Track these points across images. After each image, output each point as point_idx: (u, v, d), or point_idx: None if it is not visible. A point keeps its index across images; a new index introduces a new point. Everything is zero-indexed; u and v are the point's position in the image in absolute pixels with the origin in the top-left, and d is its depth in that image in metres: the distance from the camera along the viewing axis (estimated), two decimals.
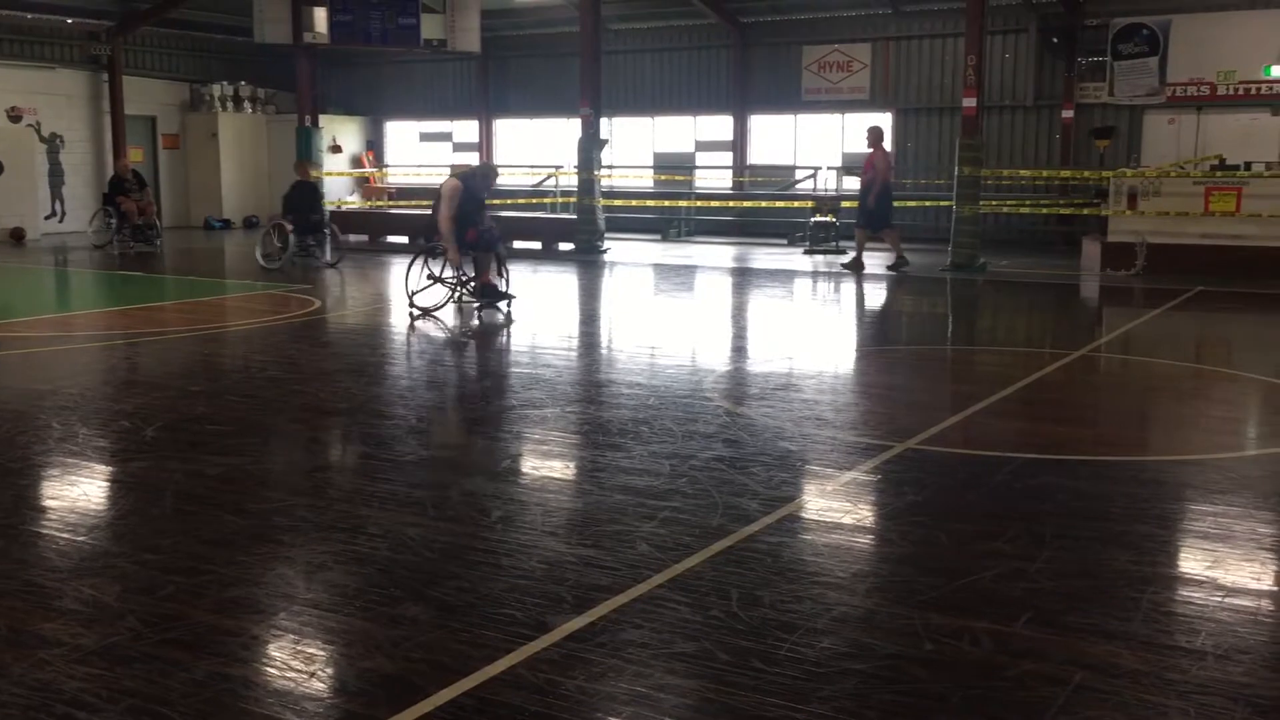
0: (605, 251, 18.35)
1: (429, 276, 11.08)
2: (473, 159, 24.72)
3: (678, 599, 3.75)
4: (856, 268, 15.94)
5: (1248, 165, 15.47)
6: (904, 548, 4.40)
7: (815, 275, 16.05)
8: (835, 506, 4.94)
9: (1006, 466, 5.55)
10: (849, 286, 14.45)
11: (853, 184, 20.33)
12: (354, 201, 25.58)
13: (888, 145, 18.63)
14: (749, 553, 4.22)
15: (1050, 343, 10.14)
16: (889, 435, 6.21)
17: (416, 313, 10.85)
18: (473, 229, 10.84)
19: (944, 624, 3.55)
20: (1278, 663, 3.33)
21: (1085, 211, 17.64)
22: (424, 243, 11.50)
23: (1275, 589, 3.98)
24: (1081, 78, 20.38)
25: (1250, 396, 7.70)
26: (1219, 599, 3.84)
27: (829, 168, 21.86)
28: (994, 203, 17.51)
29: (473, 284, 11.09)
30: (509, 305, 10.96)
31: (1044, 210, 19.18)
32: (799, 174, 23.11)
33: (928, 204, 20.07)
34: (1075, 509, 4.84)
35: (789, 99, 23.04)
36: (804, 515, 4.78)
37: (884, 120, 22.43)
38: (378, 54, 24.83)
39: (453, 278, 11.00)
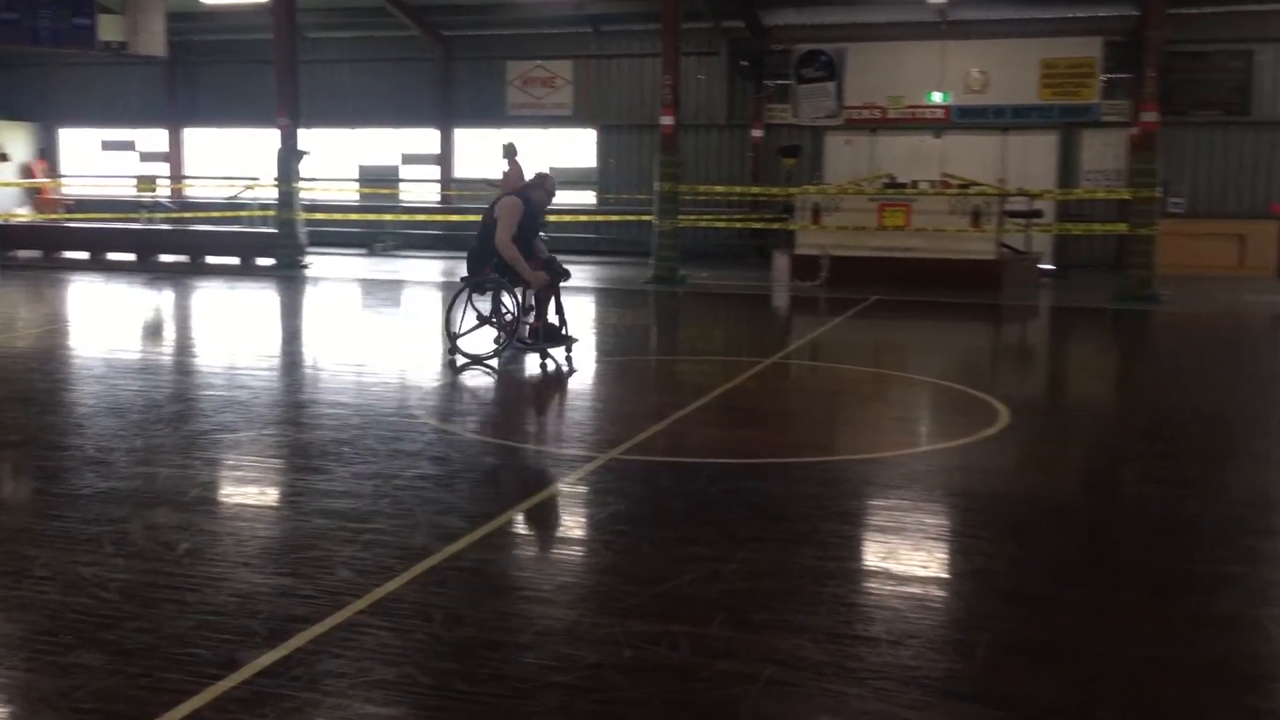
0: (307, 267, 17.74)
1: (478, 317, 9.24)
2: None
3: (379, 624, 3.66)
4: None
5: (915, 183, 16.82)
6: (607, 557, 4.49)
7: None
8: (540, 520, 4.97)
9: (704, 472, 5.77)
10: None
11: (559, 199, 20.62)
12: (24, 214, 23.55)
13: (589, 161, 18.99)
14: (453, 572, 4.17)
15: (745, 351, 10.63)
16: (594, 447, 6.31)
17: (463, 360, 8.98)
18: (535, 259, 9.10)
19: (644, 630, 3.63)
20: (943, 645, 3.61)
21: (775, 226, 18.65)
22: (470, 276, 9.25)
23: (940, 575, 4.32)
24: (769, 99, 21.53)
25: (921, 397, 8.35)
26: (891, 588, 4.13)
27: None
28: (692, 217, 18.21)
29: (523, 325, 9.12)
30: (570, 351, 9.26)
31: (738, 224, 20.11)
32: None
33: (630, 218, 20.59)
34: (767, 510, 5.09)
35: (494, 113, 23.10)
36: (509, 530, 4.78)
37: (588, 136, 22.90)
38: (49, 55, 22.98)
39: (511, 315, 9.05)
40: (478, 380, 8.69)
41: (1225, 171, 19.17)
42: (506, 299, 9.08)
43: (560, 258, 9.70)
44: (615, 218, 20.90)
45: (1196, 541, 4.84)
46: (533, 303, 9.14)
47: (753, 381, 8.61)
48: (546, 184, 9.53)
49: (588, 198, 23.01)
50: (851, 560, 4.50)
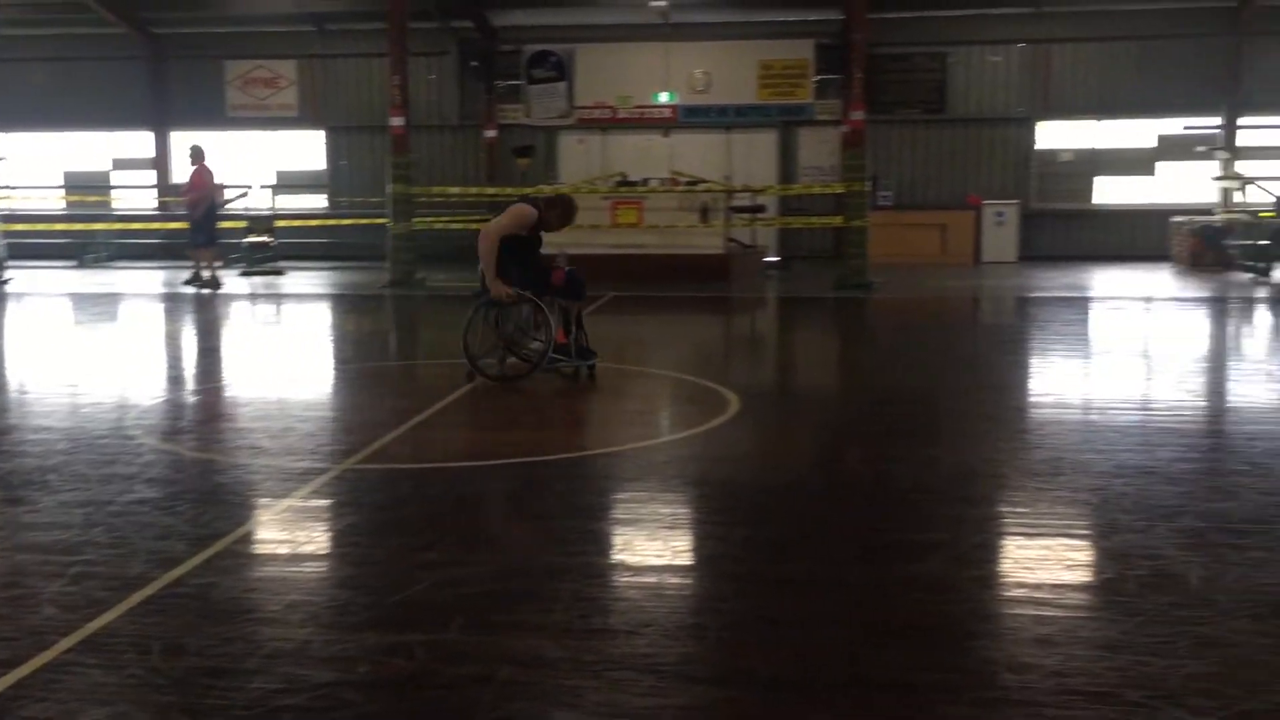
0: (7, 282, 16.38)
1: (498, 336, 8.43)
2: None
3: (89, 662, 3.42)
4: (213, 286, 15.72)
5: (645, 181, 17.23)
6: (341, 571, 4.37)
7: (254, 298, 15.49)
8: (270, 538, 4.78)
9: (444, 477, 5.71)
10: (272, 309, 14.10)
11: (287, 203, 19.93)
12: None
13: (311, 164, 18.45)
14: (173, 599, 3.95)
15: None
16: (327, 457, 6.13)
17: (491, 376, 8.30)
18: (559, 270, 8.47)
19: (379, 642, 3.55)
20: (677, 630, 3.70)
21: None
22: (482, 289, 8.35)
23: (675, 563, 4.44)
24: (501, 100, 21.53)
25: (658, 390, 8.56)
26: (628, 579, 4.22)
27: (263, 186, 21.19)
28: (429, 219, 17.98)
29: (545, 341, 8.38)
30: (592, 368, 8.58)
31: (475, 226, 19.94)
32: (230, 193, 22.17)
33: (364, 222, 20.13)
34: (507, 511, 5.09)
35: (214, 115, 22.07)
36: (236, 551, 4.57)
37: (316, 139, 22.22)
38: None
39: (537, 337, 8.39)
40: (204, 395, 8.27)
41: (927, 166, 20.62)
42: (529, 312, 8.42)
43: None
44: (348, 221, 20.38)
45: (908, 512, 5.17)
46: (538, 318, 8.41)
47: (493, 382, 8.58)
48: (568, 215, 8.63)
49: (319, 201, 22.34)
50: (589, 555, 4.55)
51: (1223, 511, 5.01)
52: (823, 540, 4.75)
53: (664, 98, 21.11)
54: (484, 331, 8.37)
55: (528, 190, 17.72)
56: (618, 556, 4.52)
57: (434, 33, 20.74)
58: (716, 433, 6.75)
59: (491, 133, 21.53)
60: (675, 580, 4.23)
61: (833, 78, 20.02)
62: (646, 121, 21.22)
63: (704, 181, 17.34)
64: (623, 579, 4.23)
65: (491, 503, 5.22)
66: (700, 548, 4.70)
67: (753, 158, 20.99)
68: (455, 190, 18.95)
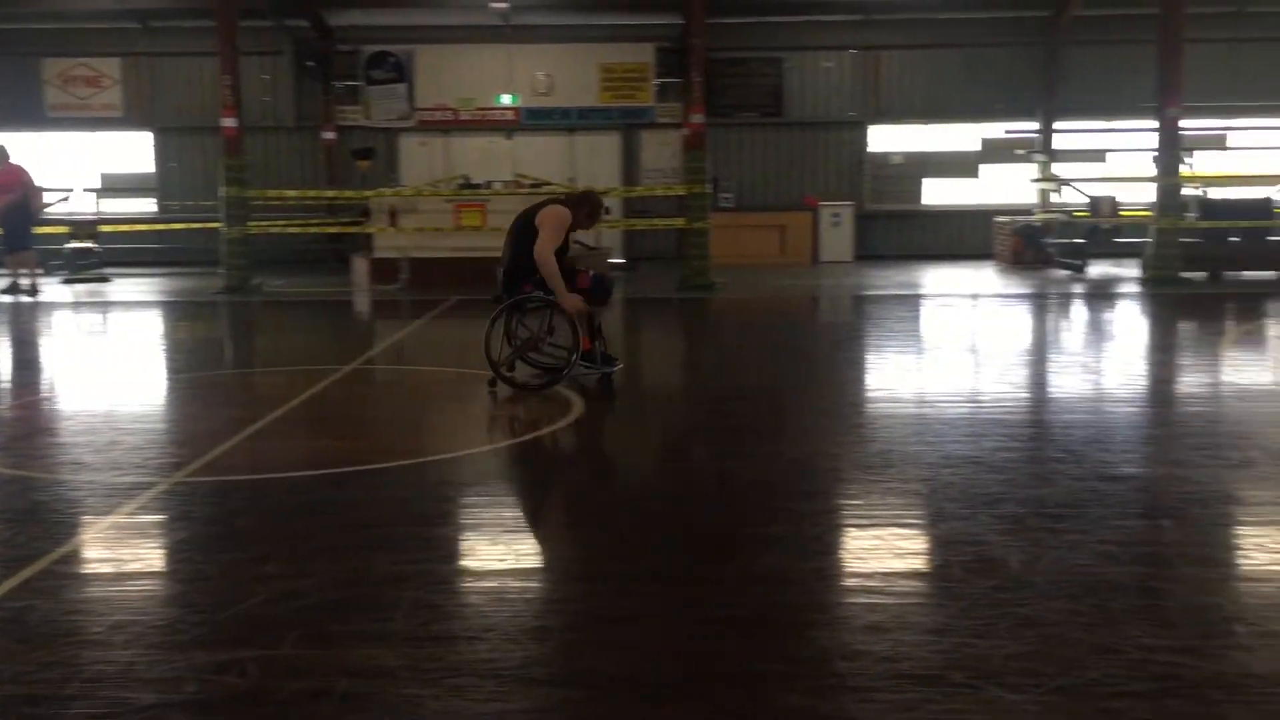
0: None
1: (513, 341, 8.18)
2: None
3: None
4: (31, 294, 15.11)
5: (489, 184, 17.12)
6: (170, 588, 4.21)
7: (78, 306, 14.79)
8: (93, 557, 4.57)
9: (281, 487, 5.56)
10: (98, 317, 13.52)
11: (113, 206, 19.11)
12: None
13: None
14: None
15: (325, 359, 10.34)
16: (156, 471, 5.90)
17: (517, 384, 8.07)
18: (584, 273, 8.18)
19: (210, 661, 3.44)
20: (519, 634, 3.70)
21: (352, 230, 18.30)
22: (504, 294, 8.13)
23: (517, 566, 4.43)
24: (339, 101, 21.08)
25: (503, 393, 8.50)
26: (469, 584, 4.19)
27: (86, 189, 20.23)
28: (264, 223, 17.47)
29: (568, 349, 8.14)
30: (609, 377, 8.36)
31: (314, 229, 19.52)
32: (49, 197, 21.11)
33: (196, 226, 19.44)
34: (345, 520, 4.98)
35: (31, 115, 21.00)
36: (56, 571, 4.35)
37: (144, 140, 21.38)
38: None
39: (557, 345, 8.16)
40: (23, 410, 7.86)
41: (766, 168, 21.05)
42: (557, 319, 8.13)
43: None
44: (179, 226, 19.66)
45: (750, 507, 5.28)
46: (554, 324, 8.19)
47: (333, 389, 8.41)
48: (597, 210, 8.47)
49: (148, 205, 21.47)
50: (430, 561, 4.50)
51: (1041, 497, 5.28)
52: (666, 538, 4.80)
53: (506, 100, 21.01)
54: (502, 339, 8.16)
55: (368, 193, 17.40)
56: (459, 562, 4.49)
57: (267, 31, 20.16)
58: (561, 435, 6.76)
59: (330, 134, 21.06)
60: (518, 584, 4.22)
61: (673, 81, 20.25)
62: (489, 124, 21.09)
63: (548, 184, 17.33)
64: (464, 584, 4.20)
65: (330, 512, 5.11)
66: (544, 550, 4.70)
67: (596, 160, 21.08)
68: (293, 193, 18.43)
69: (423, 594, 4.05)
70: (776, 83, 21.03)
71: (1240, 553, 4.66)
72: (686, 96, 16.32)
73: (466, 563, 4.45)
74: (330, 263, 19.88)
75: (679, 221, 16.40)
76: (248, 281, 15.82)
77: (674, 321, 13.84)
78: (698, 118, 15.75)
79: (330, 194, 19.09)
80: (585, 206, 8.31)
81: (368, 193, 17.52)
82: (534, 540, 4.80)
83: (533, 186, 17.00)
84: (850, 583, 4.28)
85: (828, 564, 4.50)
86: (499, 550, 4.58)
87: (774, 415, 7.58)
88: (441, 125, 21.09)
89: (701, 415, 7.85)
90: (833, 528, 4.98)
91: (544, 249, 7.83)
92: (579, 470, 6.06)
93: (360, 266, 16.79)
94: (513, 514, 5.10)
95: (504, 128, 21.19)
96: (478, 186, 17.11)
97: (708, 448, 6.77)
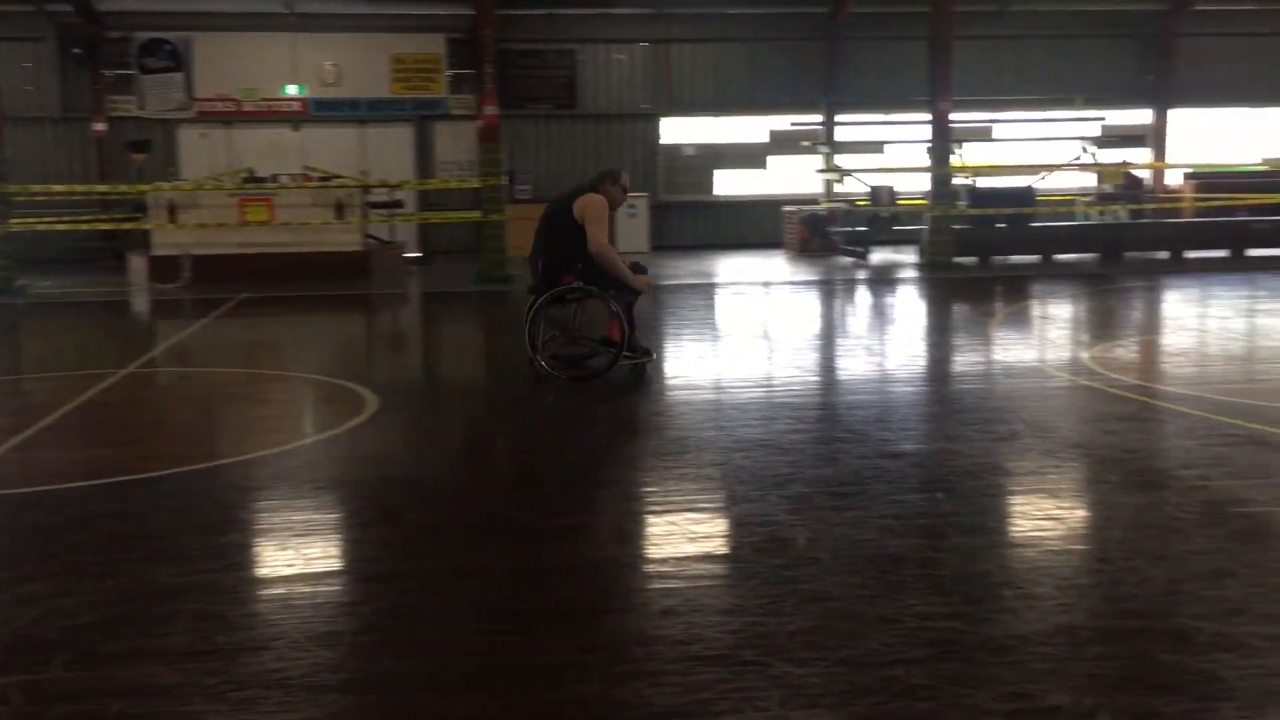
0: None
1: (563, 331, 8.24)
2: None
3: None
4: None
5: (275, 177, 16.55)
6: None
7: None
8: None
9: (47, 501, 5.23)
10: None
11: None
12: None
13: None
14: None
15: (99, 363, 9.78)
16: None
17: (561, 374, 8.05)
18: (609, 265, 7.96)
19: None
20: (307, 641, 3.59)
21: (128, 226, 17.36)
22: (542, 286, 8.04)
23: (305, 571, 4.30)
24: (110, 90, 19.97)
25: (291, 393, 8.25)
26: (254, 592, 4.04)
27: None
28: (29, 220, 16.37)
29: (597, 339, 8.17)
30: (643, 368, 8.24)
31: (86, 226, 18.43)
32: None
33: None
34: (121, 533, 4.73)
35: None
36: None
37: None
38: None
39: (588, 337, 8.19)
40: None
41: (562, 160, 21.10)
42: (607, 306, 8.02)
43: None
44: None
45: (547, 498, 5.28)
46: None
47: (109, 395, 7.96)
48: (623, 181, 8.28)
49: None
50: (214, 571, 4.31)
51: (827, 477, 5.48)
52: (462, 532, 4.76)
53: (292, 90, 20.35)
54: (544, 328, 8.13)
55: (144, 187, 16.53)
56: (245, 570, 4.32)
57: (27, 16, 18.91)
58: (354, 433, 6.60)
59: (101, 126, 19.92)
60: (306, 589, 4.09)
61: (466, 73, 20.04)
62: (275, 115, 20.38)
63: (338, 177, 16.89)
64: (250, 593, 4.05)
65: (104, 525, 4.83)
66: (335, 552, 4.58)
67: (389, 152, 20.67)
68: (60, 188, 17.34)
69: (205, 606, 3.88)
70: (570, 75, 21.10)
71: (1007, 521, 4.95)
72: (479, 88, 16.19)
73: (253, 571, 4.29)
74: (105, 260, 18.81)
75: (475, 215, 16.26)
76: (12, 283, 14.82)
77: (471, 315, 13.71)
78: (491, 110, 15.64)
79: (102, 189, 18.05)
80: (615, 183, 8.22)
81: (144, 187, 16.65)
82: (324, 543, 4.67)
83: (322, 180, 16.53)
84: (645, 569, 4.34)
85: (623, 552, 4.55)
86: (287, 555, 4.43)
87: (570, 407, 7.60)
88: (223, 116, 20.26)
89: (498, 409, 7.80)
90: (628, 515, 5.04)
91: (600, 242, 7.86)
92: (373, 468, 5.93)
93: (138, 265, 15.96)
94: (302, 517, 4.94)
95: (291, 119, 20.52)
96: (263, 180, 16.51)
97: (504, 440, 6.74)
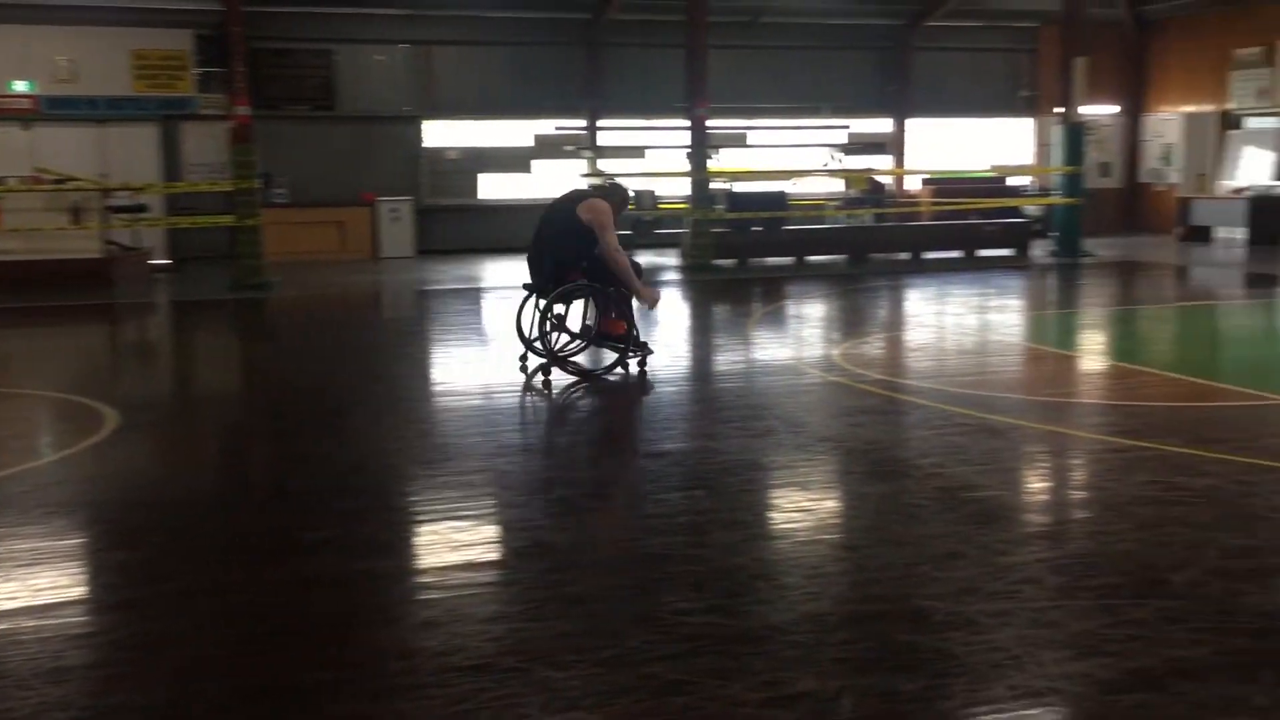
0: None
1: (569, 333, 8.44)
2: None
3: None
4: None
5: (3, 179, 15.36)
6: None
7: None
8: None
9: None
10: None
11: None
12: None
13: None
14: None
15: None
16: None
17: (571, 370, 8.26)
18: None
19: None
20: (33, 678, 3.33)
21: None
22: (550, 284, 8.17)
23: (31, 604, 3.99)
24: None
25: (17, 412, 7.66)
26: None
27: None
28: None
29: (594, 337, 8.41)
30: (644, 362, 8.32)
31: None
32: None
33: None
34: None
35: None
36: None
37: None
38: None
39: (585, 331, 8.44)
40: None
41: (321, 163, 20.45)
42: (612, 303, 8.26)
43: None
44: None
45: (301, 510, 5.10)
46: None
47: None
48: (621, 192, 8.73)
49: None
50: None
51: (590, 479, 5.53)
52: (208, 552, 4.54)
53: (21, 86, 18.90)
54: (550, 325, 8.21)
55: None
56: None
57: None
58: (91, 453, 6.19)
59: None
60: (33, 622, 3.80)
61: (216, 71, 19.14)
62: (2, 113, 18.89)
63: (75, 179, 15.81)
64: None
65: None
66: (67, 581, 4.27)
67: (132, 154, 19.47)
68: None
69: None
70: (327, 75, 20.48)
71: (762, 515, 5.12)
72: (230, 87, 15.50)
73: None
74: None
75: (228, 219, 15.56)
76: None
77: (225, 323, 13.13)
78: (243, 110, 15.02)
79: None
80: (616, 196, 8.57)
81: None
82: (55, 572, 4.34)
83: (56, 182, 15.45)
84: (405, 581, 4.26)
85: (382, 563, 4.44)
86: (11, 588, 4.10)
87: (331, 415, 7.37)
88: None
89: (252, 420, 7.49)
90: (388, 526, 4.92)
91: (613, 245, 8.10)
92: (111, 489, 5.58)
93: None
94: (29, 545, 4.59)
95: (20, 117, 19.06)
96: None
97: (258, 452, 6.48)
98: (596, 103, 21.18)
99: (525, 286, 8.64)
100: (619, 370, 8.30)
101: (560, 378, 8.04)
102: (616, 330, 8.35)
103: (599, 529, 4.70)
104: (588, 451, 6.15)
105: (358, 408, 7.62)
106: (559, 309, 8.31)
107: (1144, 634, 3.58)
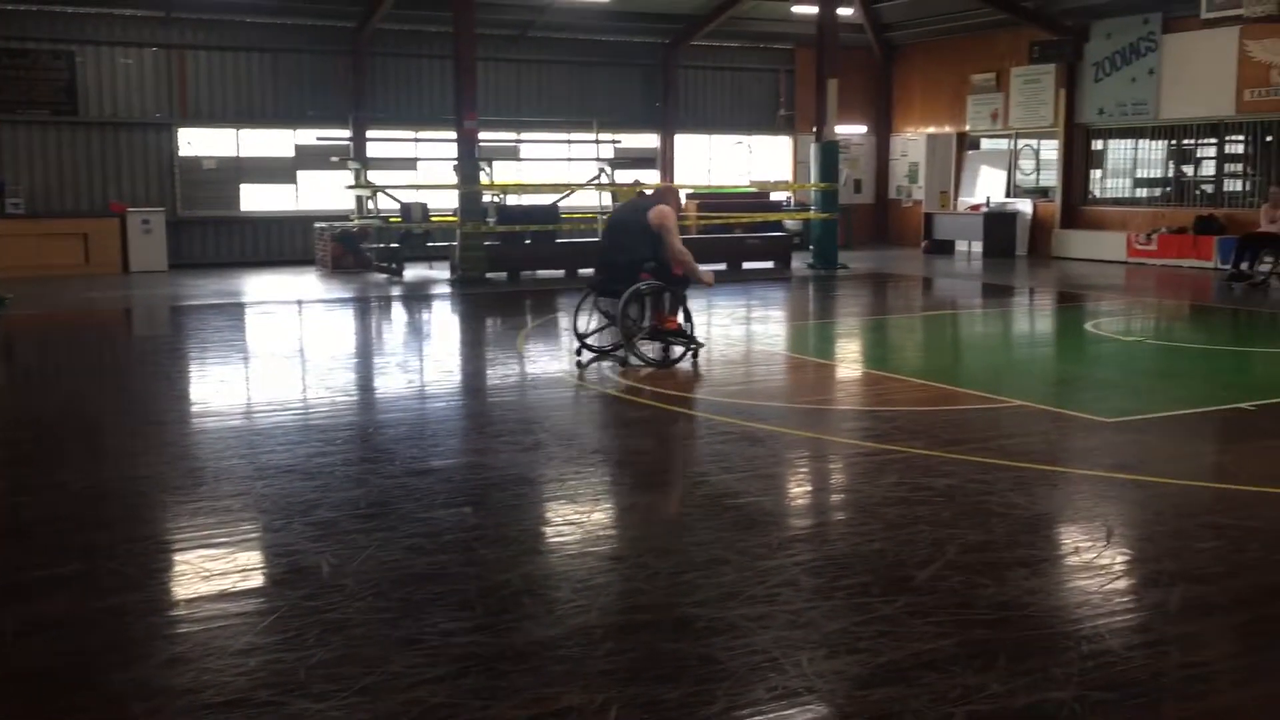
0: None
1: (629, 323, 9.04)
2: None
3: None
4: None
5: None
6: None
7: None
8: None
9: None
10: None
11: None
12: None
13: None
14: None
15: None
16: None
17: (586, 358, 9.27)
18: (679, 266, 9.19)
19: None
20: None
21: None
22: (621, 285, 9.03)
23: None
24: None
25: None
26: None
27: None
28: None
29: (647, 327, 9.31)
30: (696, 354, 9.34)
31: None
32: None
33: None
34: None
35: None
36: None
37: None
38: None
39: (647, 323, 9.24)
40: None
41: (63, 171, 19.18)
42: (673, 300, 9.32)
43: None
44: None
45: (36, 546, 4.75)
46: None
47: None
48: (679, 197, 9.99)
49: None
50: None
51: (354, 499, 5.37)
52: None
53: None
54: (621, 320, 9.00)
55: None
56: None
57: None
58: None
59: None
60: None
61: None
62: None
63: None
64: None
65: None
66: None
67: None
68: None
69: None
70: (69, 78, 19.20)
71: (530, 529, 5.11)
72: None
73: None
74: None
75: None
76: None
77: None
78: None
79: None
80: (673, 197, 9.79)
81: None
82: None
83: None
84: (151, 616, 4.01)
85: (126, 599, 4.16)
86: None
87: (70, 442, 6.89)
88: None
89: None
90: (133, 559, 4.63)
91: (680, 245, 9.20)
92: None
93: None
94: None
95: None
96: None
97: None
98: (363, 113, 20.71)
99: (589, 284, 9.78)
100: (682, 357, 9.27)
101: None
102: (671, 326, 9.39)
103: (363, 550, 4.57)
104: (353, 470, 5.97)
105: (102, 432, 7.17)
106: (633, 310, 9.15)
107: (892, 629, 3.77)
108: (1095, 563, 4.49)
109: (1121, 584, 4.30)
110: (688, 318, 9.41)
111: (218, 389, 8.78)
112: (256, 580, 4.33)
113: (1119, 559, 4.60)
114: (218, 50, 20.16)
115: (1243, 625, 3.89)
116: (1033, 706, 3.23)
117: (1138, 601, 4.12)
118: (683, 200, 10.41)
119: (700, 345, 9.45)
